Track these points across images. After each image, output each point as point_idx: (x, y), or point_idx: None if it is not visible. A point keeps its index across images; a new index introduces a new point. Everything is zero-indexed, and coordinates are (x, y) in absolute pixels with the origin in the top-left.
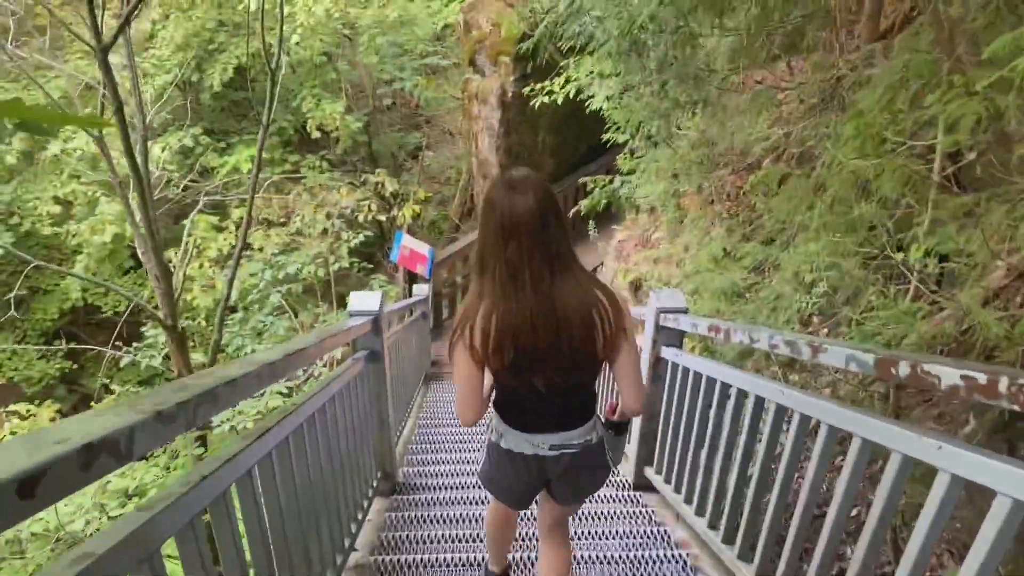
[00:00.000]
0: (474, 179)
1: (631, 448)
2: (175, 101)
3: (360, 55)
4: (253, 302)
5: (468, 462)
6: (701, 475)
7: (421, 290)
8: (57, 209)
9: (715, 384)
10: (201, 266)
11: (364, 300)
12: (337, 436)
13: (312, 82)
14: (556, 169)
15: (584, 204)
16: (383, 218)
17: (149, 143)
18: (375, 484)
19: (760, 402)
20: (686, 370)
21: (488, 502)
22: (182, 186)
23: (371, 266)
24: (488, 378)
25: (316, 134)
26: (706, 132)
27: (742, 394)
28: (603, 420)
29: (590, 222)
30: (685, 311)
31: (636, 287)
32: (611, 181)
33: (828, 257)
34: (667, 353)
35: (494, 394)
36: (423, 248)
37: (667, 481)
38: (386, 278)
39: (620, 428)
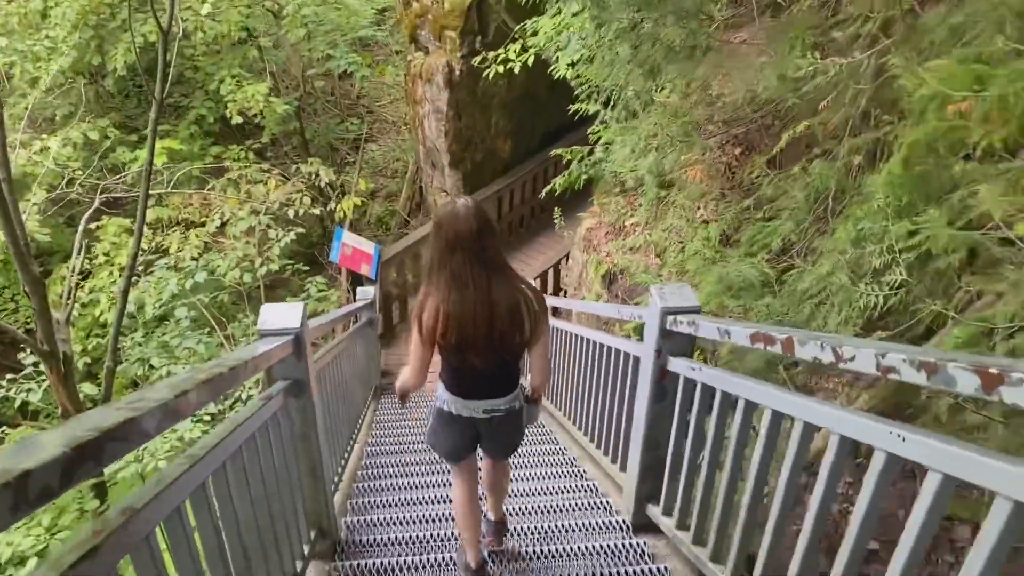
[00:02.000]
0: (422, 169)
1: (628, 481)
2: (75, 90)
3: (285, 29)
4: (157, 317)
5: (427, 501)
6: (720, 514)
7: (366, 293)
8: None
9: (760, 411)
10: (111, 276)
11: (279, 315)
12: (248, 502)
13: (232, 62)
14: (512, 155)
15: (558, 182)
16: (317, 211)
17: (45, 137)
18: (308, 548)
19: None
20: (708, 389)
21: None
22: (96, 187)
23: (307, 268)
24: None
25: (238, 119)
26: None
27: (810, 430)
28: (525, 396)
29: (556, 210)
30: (698, 311)
31: (609, 280)
32: (590, 152)
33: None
34: (677, 365)
35: (440, 370)
36: (367, 246)
37: (681, 526)
38: (325, 280)
39: (535, 400)
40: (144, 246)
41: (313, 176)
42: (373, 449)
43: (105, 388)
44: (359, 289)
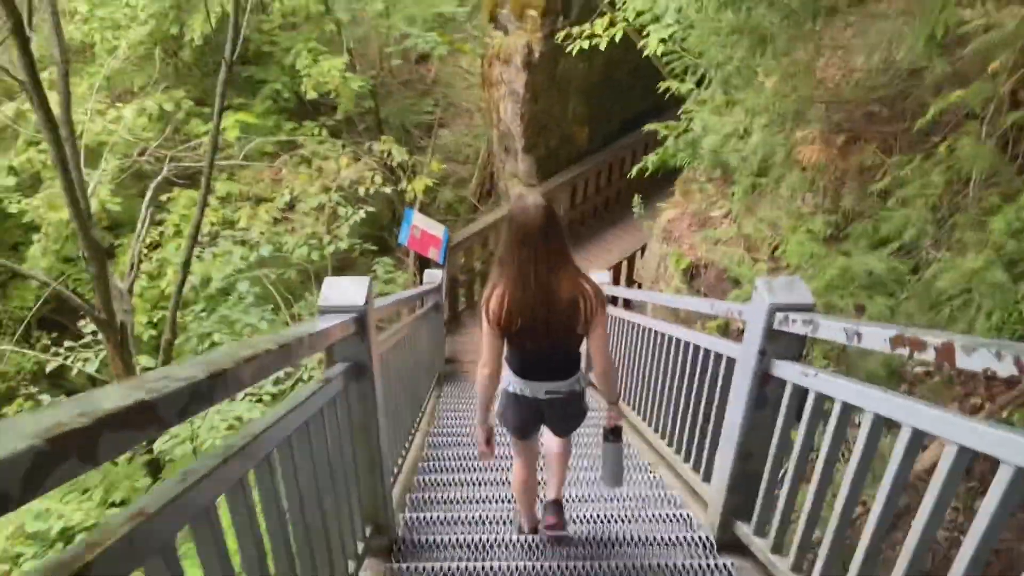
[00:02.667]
0: (495, 154)
1: (714, 493)
2: (153, 61)
3: (363, 2)
4: (221, 291)
5: (489, 500)
6: (831, 542)
7: (434, 276)
8: (11, 182)
9: (891, 429)
10: (179, 248)
11: (343, 291)
12: (298, 493)
13: (309, 36)
14: (588, 142)
15: (651, 159)
16: (388, 190)
17: (120, 105)
18: (362, 545)
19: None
20: (822, 399)
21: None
22: (168, 157)
23: (375, 248)
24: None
25: (312, 94)
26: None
27: (965, 455)
28: (604, 430)
29: (635, 197)
30: (812, 308)
31: (692, 275)
32: (687, 130)
33: None
34: (784, 370)
35: (506, 353)
36: (437, 229)
37: (776, 549)
38: (393, 262)
39: (614, 435)
40: (213, 219)
41: (385, 155)
42: (435, 440)
43: (163, 361)
44: (426, 272)
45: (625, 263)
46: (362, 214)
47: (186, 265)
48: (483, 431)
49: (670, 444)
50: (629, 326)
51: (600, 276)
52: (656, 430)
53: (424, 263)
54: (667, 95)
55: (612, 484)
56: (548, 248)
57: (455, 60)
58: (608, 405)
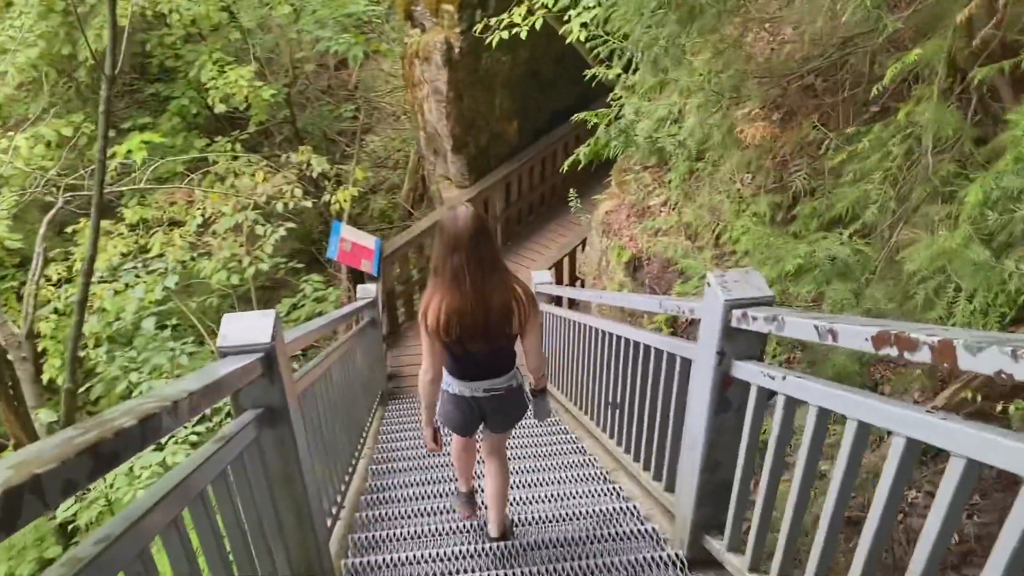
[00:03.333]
0: (424, 157)
1: (681, 506)
2: (50, 85)
3: (269, 5)
4: (122, 331)
5: (443, 533)
6: (818, 562)
7: (368, 291)
8: None
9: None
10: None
11: (244, 328)
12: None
13: (213, 48)
14: (519, 138)
15: (583, 152)
16: (310, 204)
17: (11, 135)
18: None
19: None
20: (792, 402)
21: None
22: (76, 188)
23: (302, 266)
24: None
25: (221, 107)
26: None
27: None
28: (531, 389)
29: (571, 191)
30: (772, 302)
31: (634, 267)
32: (618, 116)
33: None
34: (746, 371)
35: (446, 358)
36: (368, 240)
37: (755, 568)
38: (323, 279)
39: (541, 392)
40: (124, 249)
41: (305, 166)
42: (379, 467)
43: (65, 412)
44: (360, 287)
45: (566, 259)
46: (282, 231)
47: (82, 305)
48: (429, 431)
49: (628, 452)
50: (576, 327)
51: (541, 276)
52: (612, 436)
53: (358, 277)
54: (595, 83)
55: (542, 418)
56: (480, 255)
57: (377, 63)
58: (535, 381)
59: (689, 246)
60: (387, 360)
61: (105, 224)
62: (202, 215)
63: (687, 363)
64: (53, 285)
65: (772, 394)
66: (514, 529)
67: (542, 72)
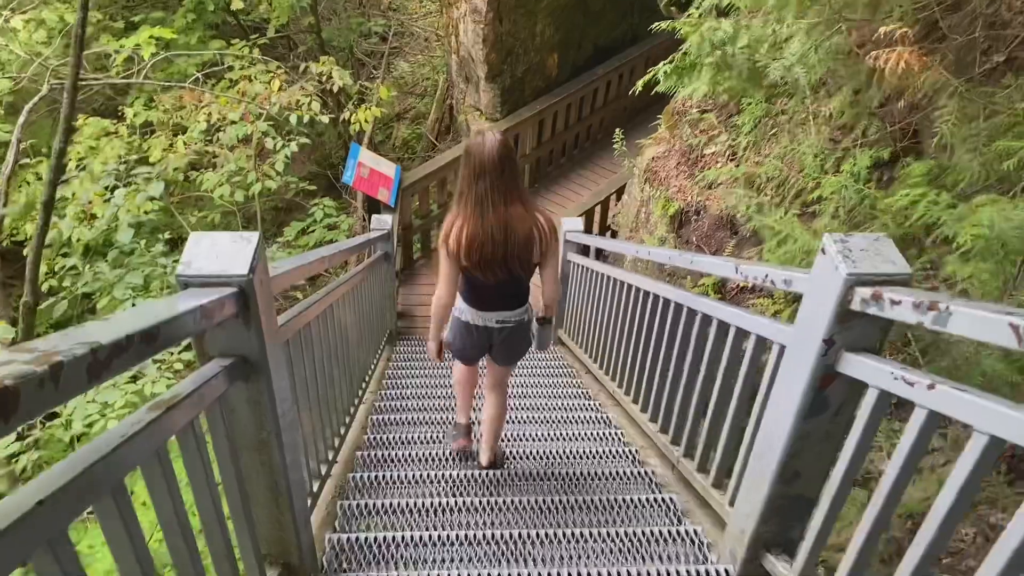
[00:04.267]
0: (454, 85)
1: (740, 517)
2: None
3: None
4: (99, 241)
5: (450, 509)
6: None
7: (383, 222)
8: None
9: None
10: (81, 185)
11: (216, 253)
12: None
13: None
14: (559, 72)
15: (662, 70)
16: (326, 119)
17: (7, 14)
18: None
19: None
20: (937, 418)
21: None
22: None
23: (313, 188)
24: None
25: (238, 3)
26: None
27: None
28: (537, 316)
29: (616, 132)
30: (908, 280)
31: (680, 222)
32: (713, 30)
33: None
34: (860, 368)
35: (460, 284)
36: (387, 167)
37: None
38: (335, 204)
39: (547, 321)
40: (120, 152)
41: (325, 79)
42: (381, 418)
43: (24, 328)
44: (374, 217)
45: (598, 208)
46: (294, 147)
47: (47, 206)
48: (435, 344)
49: (665, 432)
50: (612, 284)
51: (572, 223)
52: (646, 412)
53: (374, 206)
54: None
55: (542, 349)
56: (504, 182)
57: None
58: (545, 309)
59: (765, 202)
60: (398, 298)
61: (105, 123)
62: (207, 120)
63: (774, 348)
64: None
65: (891, 401)
66: (504, 462)
67: (590, 1)
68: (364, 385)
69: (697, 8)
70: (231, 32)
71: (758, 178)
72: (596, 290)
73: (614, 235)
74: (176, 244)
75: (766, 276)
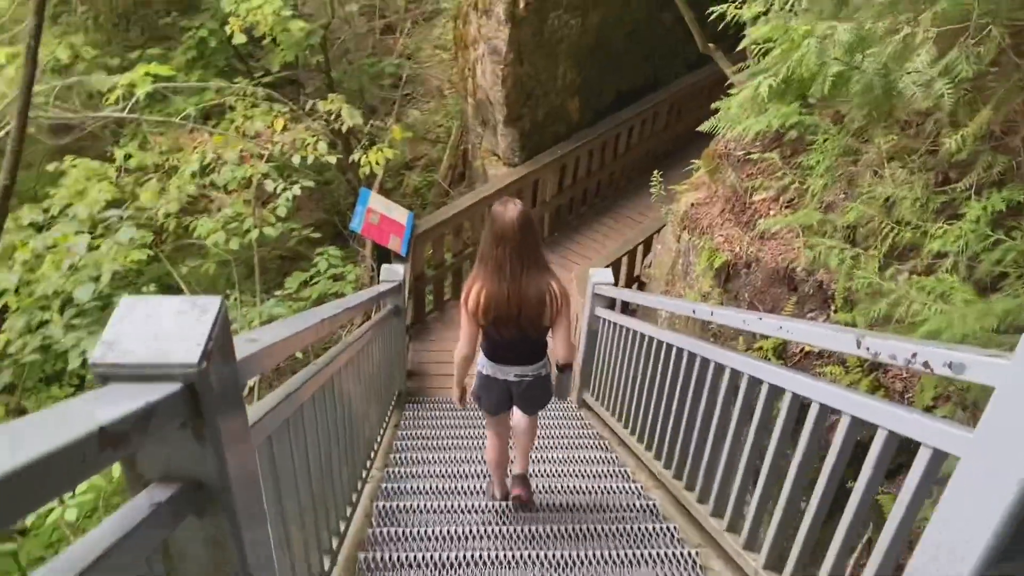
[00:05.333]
0: (469, 131)
1: None
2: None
3: None
4: (49, 297)
5: None
6: None
7: (394, 272)
8: None
9: None
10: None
11: (153, 328)
12: None
13: None
14: (580, 117)
15: (764, 84)
16: (333, 160)
17: None
18: None
19: None
20: None
21: None
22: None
23: (318, 235)
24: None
25: (241, 37)
26: None
27: None
28: (557, 364)
29: (654, 174)
30: None
31: (727, 275)
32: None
33: None
34: None
35: (481, 341)
36: (399, 214)
37: None
38: (341, 254)
39: (567, 368)
40: (109, 196)
41: (333, 117)
42: (388, 505)
43: None
44: (385, 268)
45: (625, 259)
46: (297, 190)
47: None
48: (458, 391)
49: (735, 531)
50: (657, 348)
51: (601, 275)
52: (718, 515)
53: (383, 255)
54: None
55: (562, 398)
56: (522, 250)
57: (425, 32)
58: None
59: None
60: (408, 354)
61: (94, 166)
62: (200, 161)
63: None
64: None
65: None
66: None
67: (612, 44)
68: (369, 463)
69: (780, 9)
70: (235, 70)
71: (829, 226)
72: (632, 351)
73: (641, 287)
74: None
75: (913, 356)
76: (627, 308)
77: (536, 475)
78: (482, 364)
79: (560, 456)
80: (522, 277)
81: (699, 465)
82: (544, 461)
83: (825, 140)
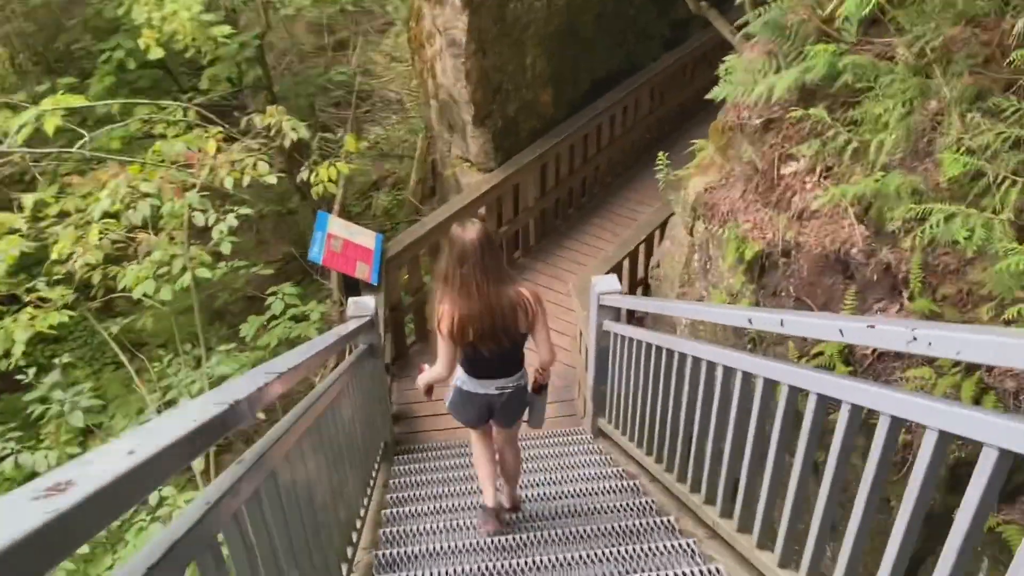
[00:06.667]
0: (436, 138)
1: None
2: None
3: None
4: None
5: None
6: None
7: (363, 307)
8: None
9: None
10: None
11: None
12: None
13: None
14: (555, 111)
15: (719, 89)
16: (272, 179)
17: None
18: None
19: None
20: None
21: None
22: None
23: (269, 271)
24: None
25: (157, 52)
26: None
27: None
28: (529, 389)
29: (660, 156)
30: None
31: (761, 268)
32: None
33: None
34: None
35: (459, 357)
36: (365, 237)
37: None
38: (296, 291)
39: (541, 390)
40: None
41: (273, 133)
42: None
43: None
44: (352, 302)
45: (626, 262)
46: (232, 220)
47: None
48: (424, 388)
49: None
50: (693, 367)
51: (606, 283)
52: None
53: (353, 287)
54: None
55: (536, 427)
56: (485, 266)
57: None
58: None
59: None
60: (392, 396)
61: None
62: (113, 199)
63: None
64: None
65: None
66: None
67: (580, 31)
68: (352, 548)
69: None
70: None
71: (904, 191)
72: (653, 368)
73: (647, 291)
74: (69, 368)
75: None
76: (632, 316)
77: (557, 542)
78: (460, 380)
79: (580, 504)
80: (490, 292)
81: (756, 505)
82: (563, 514)
83: (892, 81)
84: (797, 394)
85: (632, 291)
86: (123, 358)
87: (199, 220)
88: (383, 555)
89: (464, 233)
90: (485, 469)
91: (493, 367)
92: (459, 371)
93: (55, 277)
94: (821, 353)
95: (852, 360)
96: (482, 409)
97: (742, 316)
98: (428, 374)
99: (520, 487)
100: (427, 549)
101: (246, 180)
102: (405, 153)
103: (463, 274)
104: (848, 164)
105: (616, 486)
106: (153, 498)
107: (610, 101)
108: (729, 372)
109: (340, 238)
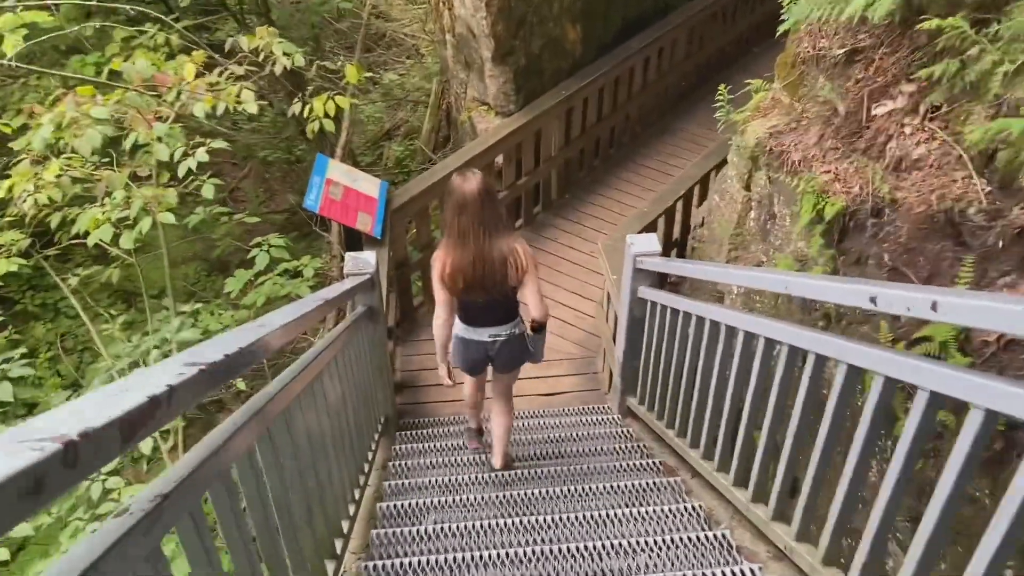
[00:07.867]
0: (451, 79)
1: None
2: None
3: None
4: None
5: None
6: None
7: (363, 263)
8: None
9: None
10: None
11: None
12: None
13: None
14: (583, 50)
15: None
16: (253, 108)
17: None
18: None
19: None
20: None
21: None
22: None
23: (256, 219)
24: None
25: None
26: None
27: None
28: (528, 328)
29: (720, 88)
30: None
31: (842, 228)
32: None
33: None
34: None
35: (455, 305)
36: (368, 185)
37: None
38: (286, 244)
39: (540, 329)
40: None
41: (262, 55)
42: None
43: None
44: (349, 257)
45: (662, 220)
46: (203, 154)
47: None
48: (444, 367)
49: None
50: (766, 350)
51: (643, 242)
52: None
53: (354, 239)
54: None
55: (536, 361)
56: (483, 217)
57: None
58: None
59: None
60: (395, 363)
61: None
62: (58, 124)
63: None
64: None
65: None
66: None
67: None
68: (344, 539)
69: None
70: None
71: None
72: (701, 345)
73: (682, 254)
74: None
75: None
76: (665, 282)
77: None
78: (459, 329)
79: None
80: (485, 243)
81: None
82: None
83: None
84: (895, 387)
85: (666, 253)
86: (84, 317)
87: (163, 154)
88: (380, 554)
89: (464, 183)
90: (472, 408)
91: (486, 315)
92: (456, 320)
93: (7, 219)
94: (927, 338)
95: (968, 349)
96: (478, 354)
97: (863, 292)
98: (434, 324)
99: (539, 478)
100: (425, 562)
101: (220, 107)
102: (419, 100)
103: (460, 224)
104: (966, 102)
105: (655, 483)
106: (96, 490)
107: (645, 40)
108: (806, 356)
109: (340, 185)
